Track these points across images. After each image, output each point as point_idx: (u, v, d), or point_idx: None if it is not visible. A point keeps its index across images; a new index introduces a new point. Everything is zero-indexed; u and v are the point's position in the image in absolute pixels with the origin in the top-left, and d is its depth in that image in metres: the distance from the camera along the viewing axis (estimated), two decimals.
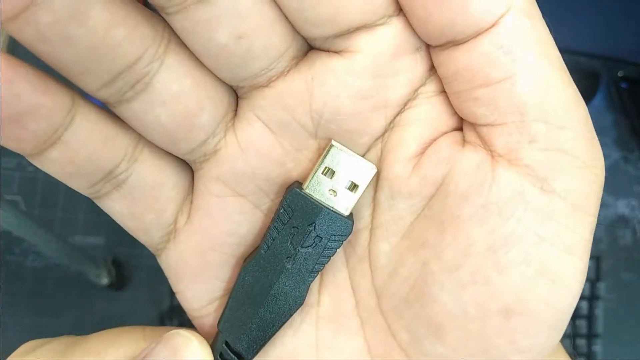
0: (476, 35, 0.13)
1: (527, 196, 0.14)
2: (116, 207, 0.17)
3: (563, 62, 0.14)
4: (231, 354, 0.17)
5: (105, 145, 0.16)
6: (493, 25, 0.13)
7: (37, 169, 0.48)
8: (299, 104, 0.15)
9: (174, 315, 0.44)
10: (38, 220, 0.42)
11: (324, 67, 0.15)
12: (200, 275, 0.18)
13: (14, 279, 0.43)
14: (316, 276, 0.16)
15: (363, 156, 0.16)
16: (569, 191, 0.14)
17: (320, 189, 0.16)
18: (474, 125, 0.15)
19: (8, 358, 0.18)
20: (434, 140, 0.16)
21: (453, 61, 0.14)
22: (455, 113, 0.15)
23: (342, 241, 0.16)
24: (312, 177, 0.16)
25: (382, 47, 0.15)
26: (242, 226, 0.17)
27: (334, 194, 0.16)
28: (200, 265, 0.18)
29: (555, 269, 0.14)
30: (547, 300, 0.14)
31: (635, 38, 0.48)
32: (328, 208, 0.16)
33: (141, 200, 0.17)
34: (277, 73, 0.15)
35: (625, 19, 0.46)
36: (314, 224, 0.16)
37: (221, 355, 0.17)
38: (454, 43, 0.14)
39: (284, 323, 0.17)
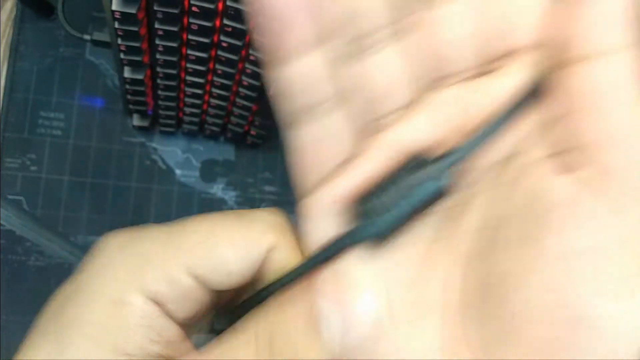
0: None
1: (605, 218, 0.14)
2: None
3: None
4: None
5: None
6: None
7: (40, 169, 0.48)
8: None
9: None
10: (40, 220, 0.42)
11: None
12: None
13: (16, 278, 0.43)
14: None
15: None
16: None
17: None
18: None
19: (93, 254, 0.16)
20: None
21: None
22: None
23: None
24: None
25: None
26: None
27: None
28: None
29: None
30: (616, 317, 0.14)
31: None
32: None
33: None
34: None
35: None
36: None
37: None
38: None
39: None
